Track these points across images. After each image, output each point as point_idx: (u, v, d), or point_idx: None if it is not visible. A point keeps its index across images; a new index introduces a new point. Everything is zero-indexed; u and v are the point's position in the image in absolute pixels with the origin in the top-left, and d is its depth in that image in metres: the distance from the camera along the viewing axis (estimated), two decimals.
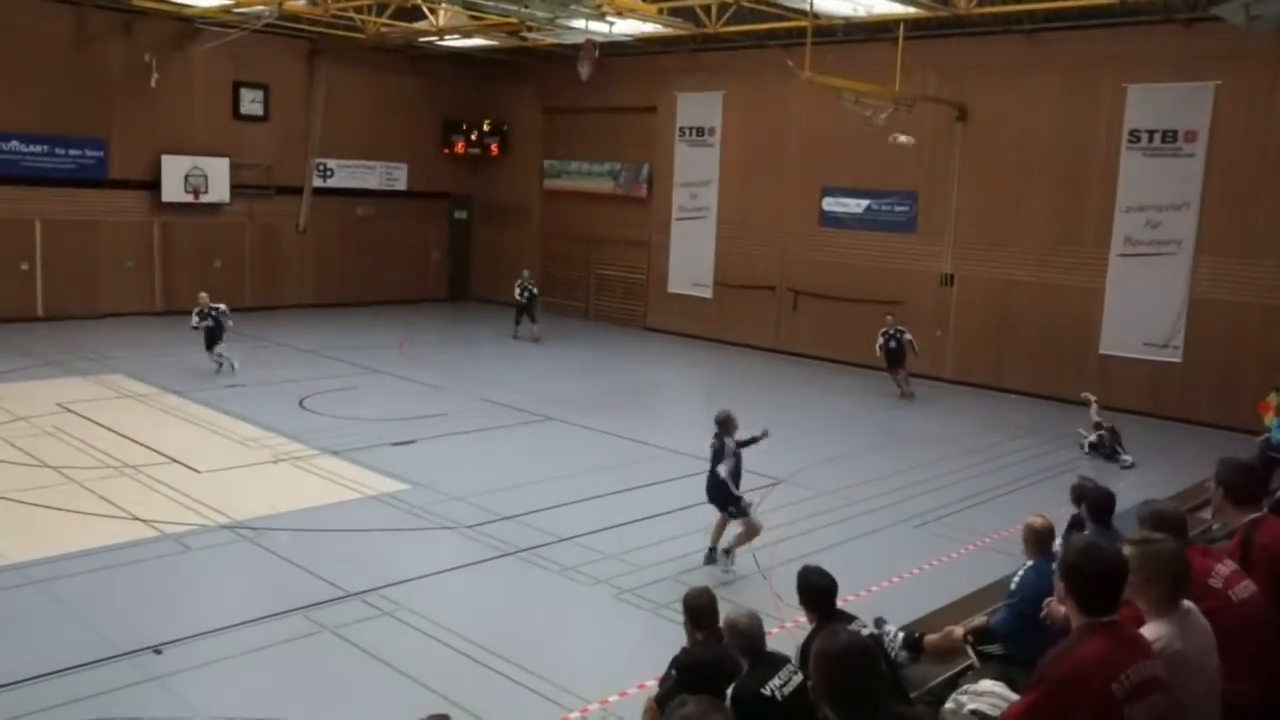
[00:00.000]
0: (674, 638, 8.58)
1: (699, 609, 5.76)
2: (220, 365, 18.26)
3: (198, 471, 12.72)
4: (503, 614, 9.17)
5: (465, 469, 13.51)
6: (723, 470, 10.07)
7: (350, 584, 9.45)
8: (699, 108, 25.24)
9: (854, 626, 5.42)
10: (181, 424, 15.12)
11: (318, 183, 27.64)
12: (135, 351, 20.02)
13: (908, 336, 18.85)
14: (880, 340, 18.95)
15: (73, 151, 23.55)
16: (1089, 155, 19.22)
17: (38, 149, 23.02)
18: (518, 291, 23.97)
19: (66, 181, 23.50)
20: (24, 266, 23.31)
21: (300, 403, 16.77)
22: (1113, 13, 17.97)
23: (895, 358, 18.94)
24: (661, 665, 5.94)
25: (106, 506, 11.30)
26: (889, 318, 19.19)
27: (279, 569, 9.88)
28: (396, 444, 14.44)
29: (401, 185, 29.58)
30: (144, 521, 10.89)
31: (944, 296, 21.30)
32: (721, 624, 5.40)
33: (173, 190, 24.83)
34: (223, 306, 18.43)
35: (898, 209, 21.95)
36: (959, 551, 11.25)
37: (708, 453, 10.33)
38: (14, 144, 22.70)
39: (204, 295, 18.46)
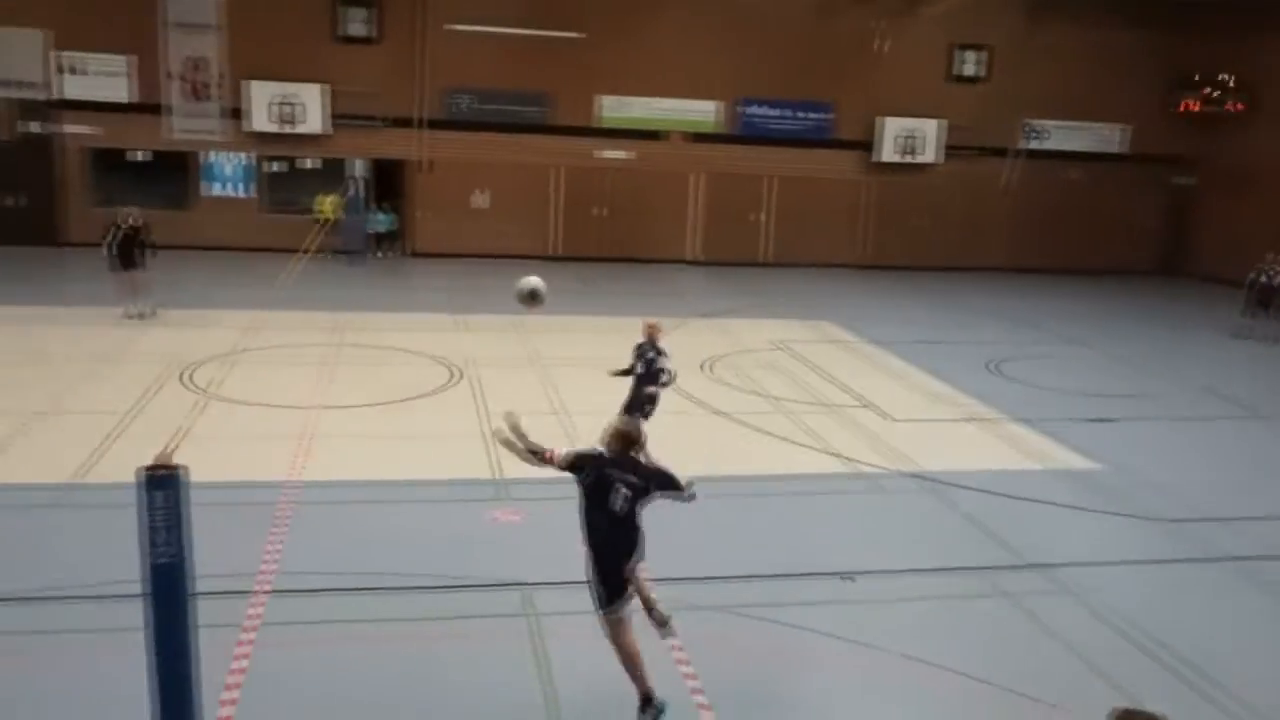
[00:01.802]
0: None
1: None
2: None
3: (892, 419, 13.35)
4: (1199, 621, 8.26)
5: (1169, 458, 12.40)
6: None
7: (1030, 554, 9.22)
8: None
9: None
10: (878, 373, 15.95)
11: (1028, 145, 27.07)
12: (841, 301, 21.54)
13: None
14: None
15: (804, 114, 25.91)
16: None
17: (778, 113, 25.72)
18: (1254, 276, 20.22)
19: (797, 142, 25.96)
20: (750, 218, 26.34)
21: (991, 365, 16.71)
22: None
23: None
24: None
25: (809, 438, 12.38)
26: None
27: (959, 526, 9.98)
28: (1090, 420, 13.71)
29: (1118, 148, 27.74)
30: (841, 458, 11.73)
31: None
32: None
33: (887, 150, 26.12)
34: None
35: None
36: None
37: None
38: (760, 109, 25.63)
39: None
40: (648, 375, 10.42)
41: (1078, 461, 11.98)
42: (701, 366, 15.56)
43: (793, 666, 7.29)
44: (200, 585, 5.19)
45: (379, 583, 7.91)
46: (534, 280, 8.42)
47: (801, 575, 8.54)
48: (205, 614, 5.35)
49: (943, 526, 10.02)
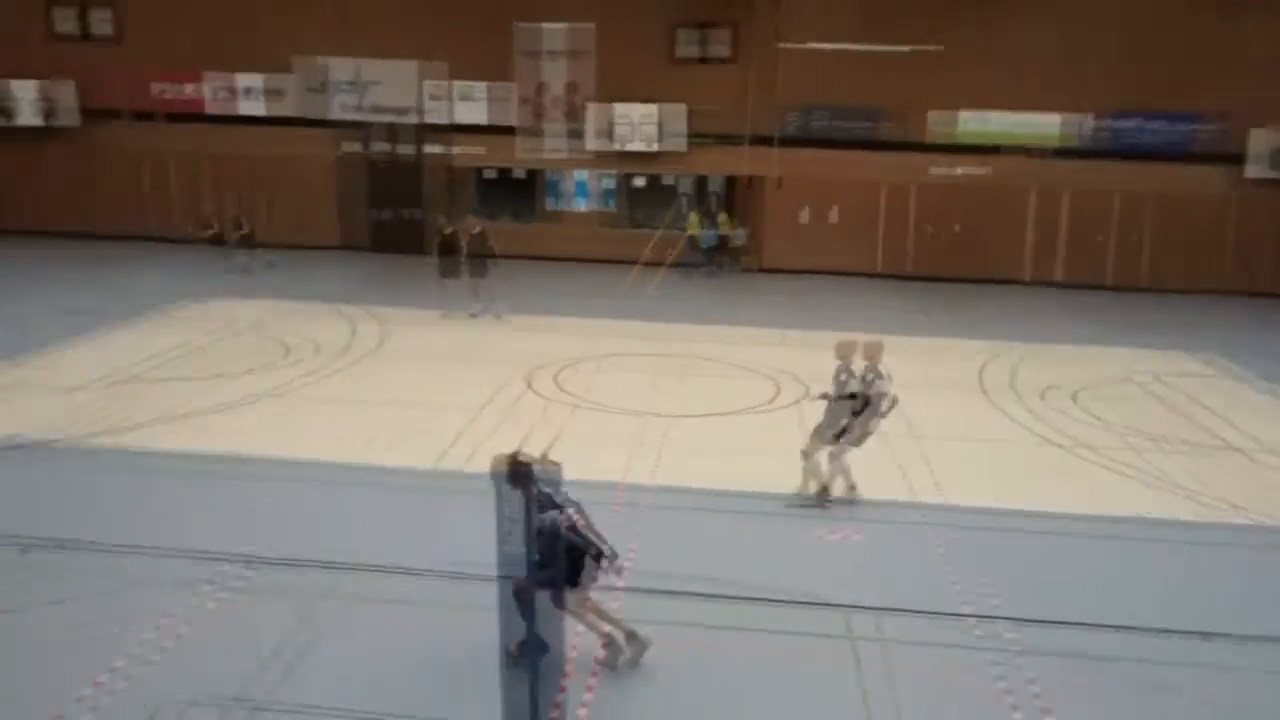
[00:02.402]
0: None
1: None
2: None
3: None
4: None
5: None
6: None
7: None
8: None
9: None
10: (1268, 412, 14.25)
11: None
12: (1208, 328, 19.45)
13: None
14: None
15: (1163, 127, 23.91)
16: None
17: (1132, 124, 24.02)
18: None
19: (1155, 156, 23.92)
20: (1099, 237, 24.50)
21: None
22: None
23: None
24: None
25: (1188, 480, 11.27)
26: None
27: None
28: None
29: None
30: (1225, 505, 10.61)
31: None
32: None
33: (1263, 165, 23.58)
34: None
35: None
36: None
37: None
38: (1112, 122, 23.98)
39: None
40: (846, 397, 9.84)
41: None
42: (1042, 395, 14.56)
43: None
44: None
45: (703, 588, 8.02)
46: None
47: (1180, 632, 7.80)
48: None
49: None
